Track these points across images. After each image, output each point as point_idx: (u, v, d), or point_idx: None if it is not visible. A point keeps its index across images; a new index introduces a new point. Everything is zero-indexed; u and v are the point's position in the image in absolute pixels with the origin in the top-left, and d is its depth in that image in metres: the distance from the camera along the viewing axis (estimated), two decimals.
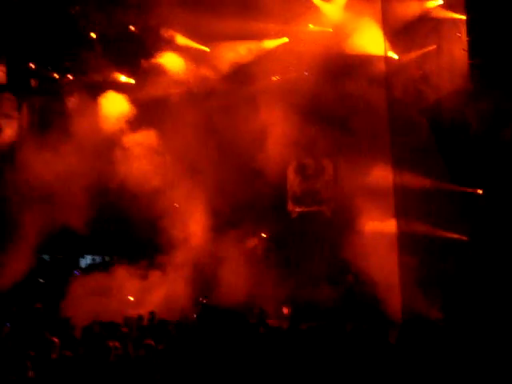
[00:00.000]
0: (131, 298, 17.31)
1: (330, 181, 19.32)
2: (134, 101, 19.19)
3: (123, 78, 20.07)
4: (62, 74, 20.55)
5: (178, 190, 18.16)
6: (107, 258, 21.51)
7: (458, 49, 15.46)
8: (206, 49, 19.28)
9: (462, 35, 15.44)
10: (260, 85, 18.90)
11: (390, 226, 17.14)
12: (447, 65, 15.80)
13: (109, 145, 18.61)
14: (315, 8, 18.28)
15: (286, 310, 16.96)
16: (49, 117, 19.70)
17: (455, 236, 15.06)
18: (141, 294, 17.36)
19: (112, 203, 18.90)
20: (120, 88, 19.62)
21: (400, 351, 8.36)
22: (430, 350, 8.16)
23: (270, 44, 19.18)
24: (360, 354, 8.57)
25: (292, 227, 19.31)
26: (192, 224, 18.41)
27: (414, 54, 16.48)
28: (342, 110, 17.45)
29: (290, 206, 19.64)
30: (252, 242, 19.21)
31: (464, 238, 14.92)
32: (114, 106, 19.18)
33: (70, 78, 20.18)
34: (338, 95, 17.47)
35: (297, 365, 7.64)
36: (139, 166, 18.32)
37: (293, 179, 19.49)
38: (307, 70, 18.19)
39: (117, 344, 8.94)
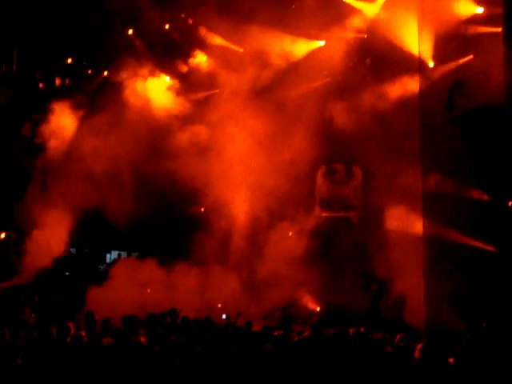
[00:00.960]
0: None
1: (358, 187, 19.21)
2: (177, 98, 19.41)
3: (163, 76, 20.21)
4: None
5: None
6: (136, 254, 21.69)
7: (494, 60, 15.25)
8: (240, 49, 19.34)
9: (499, 47, 15.25)
10: (293, 89, 18.91)
11: (417, 234, 17.01)
12: (482, 75, 15.61)
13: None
14: (352, 12, 18.27)
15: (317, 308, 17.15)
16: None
17: (484, 247, 14.88)
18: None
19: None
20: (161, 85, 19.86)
21: (425, 363, 8.34)
22: (455, 361, 8.10)
23: (307, 47, 19.22)
24: (382, 363, 8.54)
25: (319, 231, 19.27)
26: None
27: (448, 64, 16.31)
28: (373, 115, 17.34)
29: (318, 211, 19.59)
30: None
31: (493, 249, 14.72)
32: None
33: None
34: (370, 100, 17.40)
35: (318, 369, 7.64)
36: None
37: (321, 184, 19.41)
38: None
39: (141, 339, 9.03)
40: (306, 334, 11.35)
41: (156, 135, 18.85)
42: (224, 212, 18.79)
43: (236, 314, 15.35)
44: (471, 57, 15.79)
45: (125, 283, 17.73)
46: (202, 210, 19.99)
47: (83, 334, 9.61)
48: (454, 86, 15.87)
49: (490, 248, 14.77)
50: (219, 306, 17.57)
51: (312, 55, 19.03)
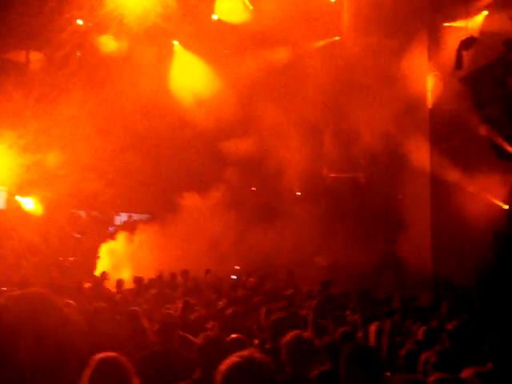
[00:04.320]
0: None
1: (365, 148, 19.18)
2: None
3: None
4: None
5: None
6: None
7: (504, 19, 15.12)
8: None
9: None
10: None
11: (424, 195, 17.11)
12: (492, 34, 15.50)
13: None
14: None
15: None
16: None
17: (493, 203, 14.97)
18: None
19: None
20: None
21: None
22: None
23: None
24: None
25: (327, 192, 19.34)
26: None
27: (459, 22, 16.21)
28: (380, 77, 17.23)
29: (325, 171, 19.60)
30: None
31: (503, 205, 14.79)
32: None
33: None
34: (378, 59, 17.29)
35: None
36: None
37: (328, 144, 19.39)
38: None
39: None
40: (315, 292, 11.55)
41: None
42: None
43: (246, 275, 15.56)
44: (484, 15, 15.67)
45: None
46: None
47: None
48: (462, 45, 15.74)
49: (499, 203, 14.86)
50: (237, 267, 17.74)
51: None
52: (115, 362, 3.38)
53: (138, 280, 12.96)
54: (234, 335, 5.87)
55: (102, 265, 17.34)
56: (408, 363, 5.62)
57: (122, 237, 18.38)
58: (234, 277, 15.57)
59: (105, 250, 18.02)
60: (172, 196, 19.32)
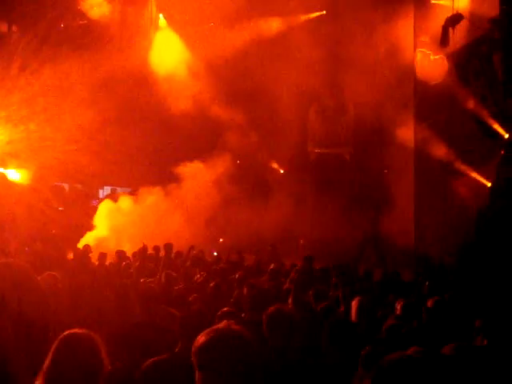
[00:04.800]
0: None
1: (350, 124, 19.18)
2: None
3: None
4: None
5: None
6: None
7: None
8: None
9: None
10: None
11: (409, 173, 17.22)
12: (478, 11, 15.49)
13: None
14: None
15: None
16: None
17: (475, 180, 15.06)
18: None
19: None
20: None
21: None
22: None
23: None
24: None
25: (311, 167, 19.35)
26: None
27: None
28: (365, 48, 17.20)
29: (310, 147, 19.60)
30: None
31: (485, 182, 14.87)
32: None
33: None
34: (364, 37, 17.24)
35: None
36: None
37: (313, 120, 19.36)
38: None
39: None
40: (298, 267, 11.60)
41: None
42: None
43: (228, 250, 15.57)
44: None
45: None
46: None
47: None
48: (449, 22, 15.73)
49: (481, 181, 14.95)
50: (221, 240, 17.74)
51: None
52: (81, 338, 3.23)
53: (120, 254, 12.95)
54: (224, 309, 5.93)
55: (89, 237, 17.34)
56: (389, 337, 5.67)
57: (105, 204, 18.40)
58: (214, 253, 15.56)
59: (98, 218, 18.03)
60: (160, 169, 19.27)
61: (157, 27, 20.50)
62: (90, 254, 13.52)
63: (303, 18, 19.37)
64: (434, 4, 16.63)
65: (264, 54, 18.62)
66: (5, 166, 19.46)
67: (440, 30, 15.69)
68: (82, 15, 19.00)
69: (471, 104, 14.99)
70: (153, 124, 20.09)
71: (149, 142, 20.08)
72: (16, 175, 19.44)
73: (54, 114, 18.00)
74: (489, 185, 14.91)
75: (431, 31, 16.59)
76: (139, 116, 19.71)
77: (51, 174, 19.12)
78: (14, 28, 19.49)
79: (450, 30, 15.63)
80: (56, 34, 18.02)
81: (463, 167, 15.21)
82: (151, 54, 19.89)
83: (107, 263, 12.32)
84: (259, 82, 17.97)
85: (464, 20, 15.36)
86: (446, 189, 15.63)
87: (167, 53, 19.88)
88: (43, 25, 17.82)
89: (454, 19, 15.41)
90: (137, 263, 11.86)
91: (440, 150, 15.95)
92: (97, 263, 12.46)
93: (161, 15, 20.34)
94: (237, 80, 18.40)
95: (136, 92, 18.97)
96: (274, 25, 19.28)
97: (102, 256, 12.79)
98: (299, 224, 17.79)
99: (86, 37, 18.42)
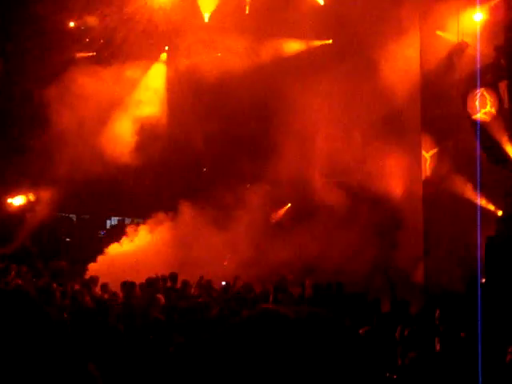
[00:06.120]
0: None
1: (357, 152, 19.09)
2: None
3: None
4: None
5: None
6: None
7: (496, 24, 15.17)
8: None
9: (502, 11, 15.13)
10: None
11: (417, 195, 17.16)
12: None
13: None
14: None
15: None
16: None
17: (486, 206, 14.97)
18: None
19: None
20: None
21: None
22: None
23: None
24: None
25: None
26: None
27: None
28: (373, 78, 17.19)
29: (317, 176, 19.49)
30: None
31: (494, 208, 14.80)
32: None
33: None
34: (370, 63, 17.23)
35: None
36: None
37: (320, 149, 19.29)
38: None
39: None
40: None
41: None
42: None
43: (234, 278, 15.44)
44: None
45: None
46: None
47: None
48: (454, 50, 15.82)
49: (491, 207, 14.87)
50: (225, 263, 17.63)
51: None
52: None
53: (127, 286, 12.78)
54: None
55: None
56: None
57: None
58: (223, 282, 15.43)
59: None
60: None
61: None
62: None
63: (310, 44, 19.41)
64: (439, 35, 16.69)
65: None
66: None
67: (445, 59, 15.78)
68: None
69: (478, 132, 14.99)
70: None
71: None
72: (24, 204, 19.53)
73: None
74: (500, 213, 14.85)
75: (437, 60, 16.64)
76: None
77: (58, 205, 19.16)
78: None
79: (455, 58, 15.71)
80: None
81: (472, 194, 15.17)
82: None
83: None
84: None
85: (469, 48, 15.43)
86: (456, 216, 15.54)
87: None
88: None
89: (459, 48, 15.49)
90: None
91: (450, 178, 15.95)
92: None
93: None
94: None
95: None
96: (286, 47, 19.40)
97: (104, 287, 12.76)
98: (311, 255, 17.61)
99: None
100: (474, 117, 15.28)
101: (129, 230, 18.86)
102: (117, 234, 19.38)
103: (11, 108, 19.30)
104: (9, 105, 19.28)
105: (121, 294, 12.41)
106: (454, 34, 16.26)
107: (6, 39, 19.27)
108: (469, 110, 15.40)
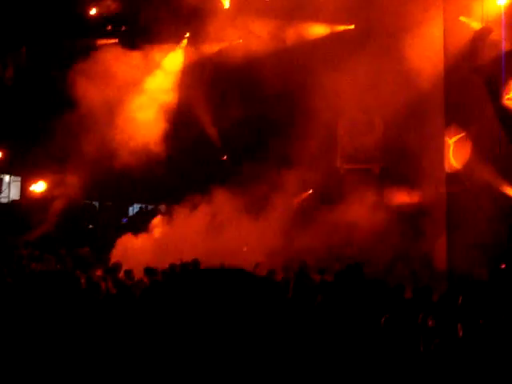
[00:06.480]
0: None
1: (379, 138, 19.00)
2: None
3: None
4: None
5: None
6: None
7: None
8: None
9: None
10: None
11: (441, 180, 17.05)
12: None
13: None
14: None
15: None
16: None
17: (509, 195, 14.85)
18: None
19: None
20: None
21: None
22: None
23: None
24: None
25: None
26: None
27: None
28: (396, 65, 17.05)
29: (339, 163, 19.44)
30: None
31: None
32: None
33: None
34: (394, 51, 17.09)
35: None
36: None
37: (342, 135, 19.22)
38: None
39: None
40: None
41: None
42: None
43: (255, 265, 15.42)
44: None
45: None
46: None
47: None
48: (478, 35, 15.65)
49: None
50: (244, 249, 17.59)
51: None
52: None
53: (150, 272, 12.89)
54: None
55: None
56: None
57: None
58: None
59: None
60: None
61: None
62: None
63: (334, 28, 19.27)
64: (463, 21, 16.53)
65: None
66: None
67: (469, 44, 15.63)
68: None
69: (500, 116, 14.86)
70: None
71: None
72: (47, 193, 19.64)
73: None
74: None
75: (461, 46, 16.47)
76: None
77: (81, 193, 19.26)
78: None
79: (479, 43, 15.55)
80: None
81: (496, 182, 15.07)
82: None
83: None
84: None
85: (493, 33, 15.28)
86: (479, 203, 15.44)
87: None
88: None
89: (483, 33, 15.32)
90: None
91: (473, 165, 15.83)
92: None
93: None
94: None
95: None
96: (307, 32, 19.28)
97: (128, 273, 12.86)
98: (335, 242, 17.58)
99: None
100: (498, 102, 15.13)
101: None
102: (139, 221, 19.46)
103: (36, 96, 19.42)
104: (34, 92, 19.40)
105: (146, 280, 12.51)
106: (477, 18, 16.11)
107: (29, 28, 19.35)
108: (492, 96, 15.25)
